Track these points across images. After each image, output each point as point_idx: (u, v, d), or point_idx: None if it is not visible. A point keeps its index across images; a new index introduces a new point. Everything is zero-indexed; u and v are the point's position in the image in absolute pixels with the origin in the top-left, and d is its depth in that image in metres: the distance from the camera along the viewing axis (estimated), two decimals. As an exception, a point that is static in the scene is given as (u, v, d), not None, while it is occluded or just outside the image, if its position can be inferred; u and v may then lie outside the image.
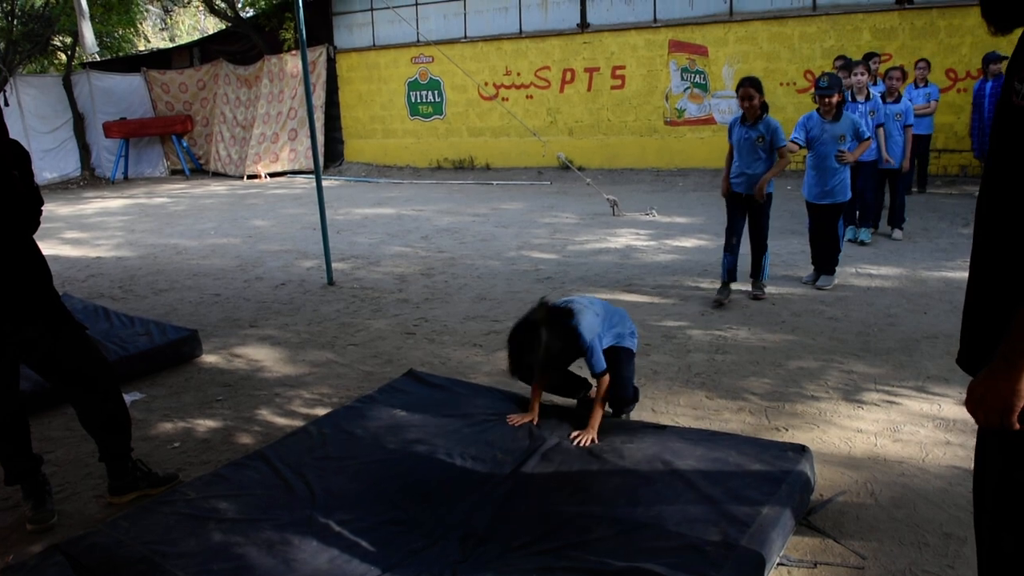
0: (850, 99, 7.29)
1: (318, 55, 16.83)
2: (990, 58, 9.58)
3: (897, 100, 7.64)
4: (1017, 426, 1.58)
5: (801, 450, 3.18)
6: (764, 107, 5.67)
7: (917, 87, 9.49)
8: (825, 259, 6.38)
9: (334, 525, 2.86)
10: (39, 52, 19.08)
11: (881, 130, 7.41)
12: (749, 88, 5.60)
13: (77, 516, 3.29)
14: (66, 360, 3.26)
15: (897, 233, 7.96)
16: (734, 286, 6.12)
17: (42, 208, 3.21)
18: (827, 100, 6.04)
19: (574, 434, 3.44)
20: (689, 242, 8.29)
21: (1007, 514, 1.73)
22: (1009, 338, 1.54)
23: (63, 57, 19.49)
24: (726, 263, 6.01)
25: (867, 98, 7.32)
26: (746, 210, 5.95)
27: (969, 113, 10.41)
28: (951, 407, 3.95)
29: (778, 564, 2.70)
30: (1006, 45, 10.39)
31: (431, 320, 5.92)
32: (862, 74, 7.31)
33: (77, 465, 3.75)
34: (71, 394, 3.35)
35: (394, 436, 3.57)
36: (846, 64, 8.15)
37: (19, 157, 3.11)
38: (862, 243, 7.64)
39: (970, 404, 1.65)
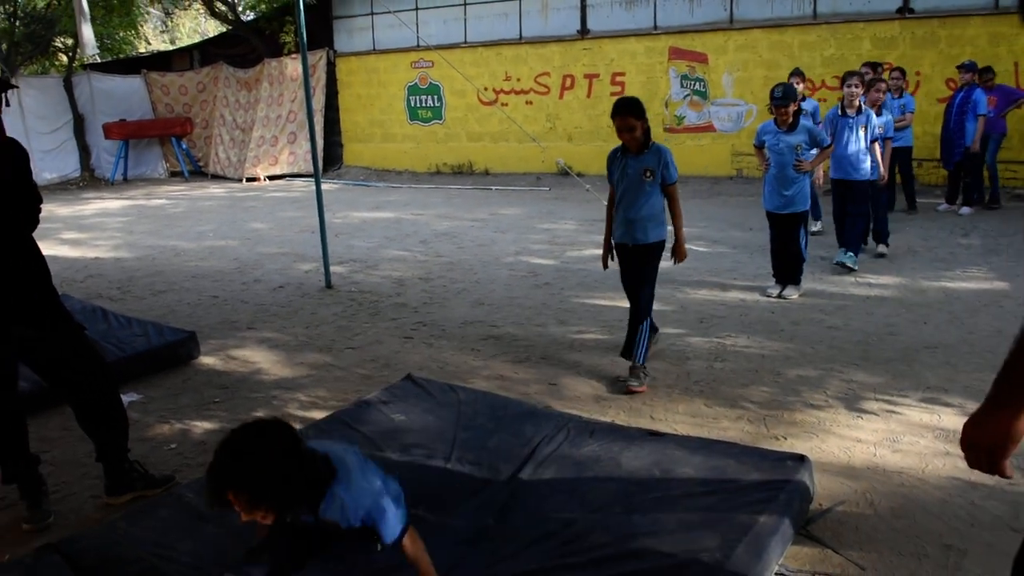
0: (839, 113, 6.92)
1: (318, 59, 16.83)
2: (963, 67, 9.46)
3: (879, 113, 7.20)
4: (1009, 473, 1.51)
5: (800, 459, 3.17)
6: (647, 134, 4.48)
7: (893, 98, 9.05)
8: (789, 269, 6.29)
9: (331, 529, 2.84)
10: (40, 53, 19.08)
11: (876, 146, 6.97)
12: (628, 118, 4.36)
13: (73, 516, 3.28)
14: (64, 360, 3.25)
15: (882, 247, 7.61)
16: (740, 283, 6.07)
17: (41, 207, 3.20)
18: (782, 110, 5.96)
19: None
20: (688, 248, 8.26)
21: None
22: (998, 378, 1.48)
23: (64, 58, 19.48)
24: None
25: (859, 111, 6.85)
26: (635, 265, 4.69)
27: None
28: (950, 418, 3.94)
29: (776, 574, 2.68)
30: (1006, 55, 10.45)
31: (429, 324, 5.91)
32: (856, 86, 6.83)
33: (74, 465, 3.73)
34: (69, 394, 3.34)
35: (391, 441, 3.56)
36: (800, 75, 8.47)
37: (17, 156, 3.10)
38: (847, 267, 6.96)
39: (961, 444, 1.56)
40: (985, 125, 9.53)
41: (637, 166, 4.49)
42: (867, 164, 6.90)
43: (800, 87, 8.29)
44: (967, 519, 3.00)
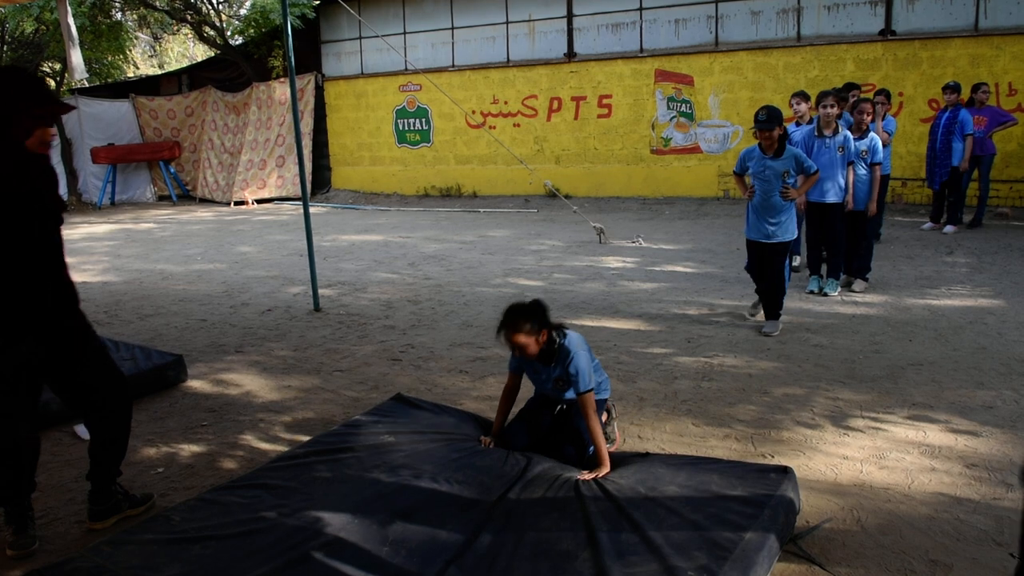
0: (816, 134, 6.70)
1: (306, 82, 16.91)
2: (948, 88, 9.48)
3: (864, 135, 6.85)
4: None
5: (783, 471, 3.19)
6: (550, 341, 3.58)
7: (872, 120, 8.80)
8: (770, 302, 5.90)
9: (318, 550, 2.83)
10: (27, 78, 19.05)
11: (851, 169, 6.70)
12: (516, 335, 3.50)
13: (58, 541, 3.25)
14: (92, 384, 3.24)
15: (859, 284, 7.04)
16: (727, 303, 6.08)
17: (60, 227, 3.16)
18: (767, 134, 5.61)
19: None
20: (675, 269, 8.34)
21: None
22: None
23: (52, 83, 19.49)
24: None
25: (835, 132, 6.63)
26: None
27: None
28: (936, 434, 3.97)
29: (765, 590, 2.69)
30: (986, 76, 10.58)
31: (417, 346, 5.92)
32: (831, 106, 6.59)
33: (59, 490, 3.70)
34: (89, 416, 3.33)
35: (380, 460, 3.55)
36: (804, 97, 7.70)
37: (41, 171, 3.04)
38: (825, 295, 6.87)
39: None
40: (977, 147, 9.57)
41: (548, 374, 3.73)
42: (842, 185, 6.68)
43: (804, 107, 7.66)
44: (953, 534, 3.02)
